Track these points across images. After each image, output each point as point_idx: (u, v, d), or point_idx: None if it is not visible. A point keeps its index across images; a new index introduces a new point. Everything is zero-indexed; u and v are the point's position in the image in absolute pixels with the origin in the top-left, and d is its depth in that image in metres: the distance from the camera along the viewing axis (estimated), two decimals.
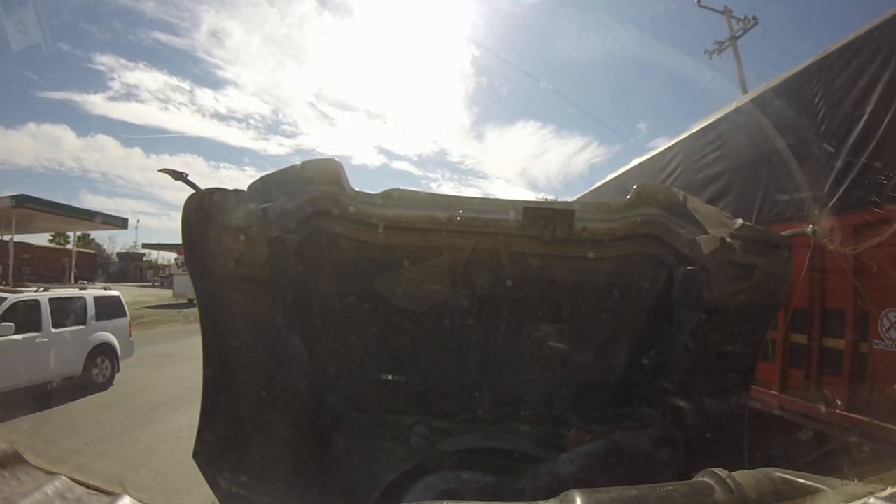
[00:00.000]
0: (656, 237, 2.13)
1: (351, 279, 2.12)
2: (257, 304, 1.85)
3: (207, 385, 1.78)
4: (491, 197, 2.07)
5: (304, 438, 1.92)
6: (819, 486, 0.92)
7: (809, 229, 2.32)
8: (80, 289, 7.75)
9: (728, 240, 1.91)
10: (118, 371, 7.69)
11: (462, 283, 2.16)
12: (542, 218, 2.00)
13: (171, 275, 29.97)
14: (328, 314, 2.11)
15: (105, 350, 7.48)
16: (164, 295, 24.63)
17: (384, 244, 2.04)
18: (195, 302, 1.82)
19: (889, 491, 0.88)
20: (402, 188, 2.00)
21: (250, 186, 1.84)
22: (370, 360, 2.20)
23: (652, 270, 2.18)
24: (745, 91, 11.60)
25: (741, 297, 1.97)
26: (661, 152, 5.50)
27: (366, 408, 2.19)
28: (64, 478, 0.75)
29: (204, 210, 1.72)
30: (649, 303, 2.22)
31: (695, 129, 4.89)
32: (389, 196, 1.97)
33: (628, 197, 2.11)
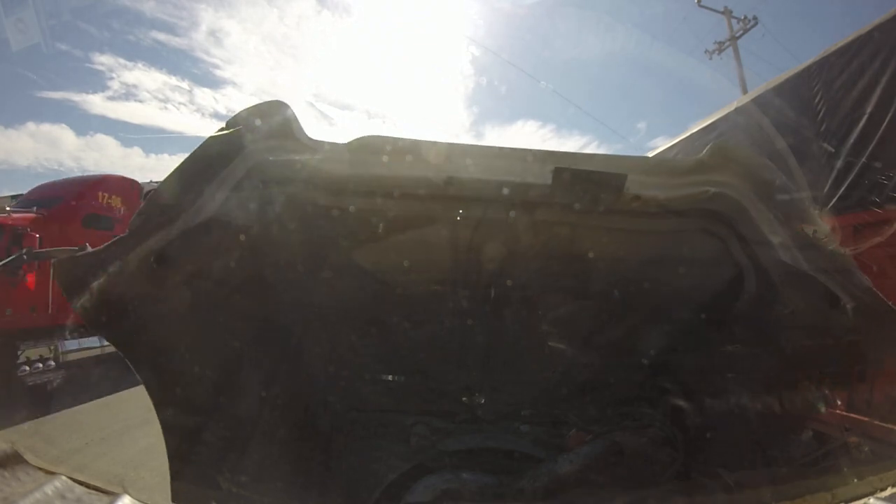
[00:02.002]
0: (727, 220, 1.61)
1: (317, 260, 1.79)
2: (204, 308, 1.53)
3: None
4: (506, 147, 1.50)
5: (304, 438, 1.92)
6: (819, 485, 0.92)
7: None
8: None
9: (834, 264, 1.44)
10: None
11: (463, 268, 1.86)
12: (580, 183, 1.48)
13: None
14: (299, 303, 1.86)
15: None
16: None
17: (358, 213, 1.61)
18: None
19: (889, 491, 0.88)
20: (379, 134, 1.48)
21: (152, 193, 1.33)
22: (370, 359, 2.20)
23: (709, 261, 1.72)
24: (745, 91, 11.61)
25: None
26: (661, 152, 5.50)
27: (366, 408, 2.19)
28: (64, 478, 0.75)
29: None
30: (698, 301, 1.85)
31: (695, 129, 4.90)
32: (362, 146, 1.46)
33: (702, 154, 1.55)
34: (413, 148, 1.48)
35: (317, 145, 1.46)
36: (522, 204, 1.56)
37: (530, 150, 1.49)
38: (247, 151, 1.41)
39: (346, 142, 1.46)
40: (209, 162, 1.37)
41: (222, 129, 1.40)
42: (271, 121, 1.42)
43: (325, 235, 1.70)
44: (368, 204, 1.58)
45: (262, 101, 1.44)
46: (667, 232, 1.68)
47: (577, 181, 1.47)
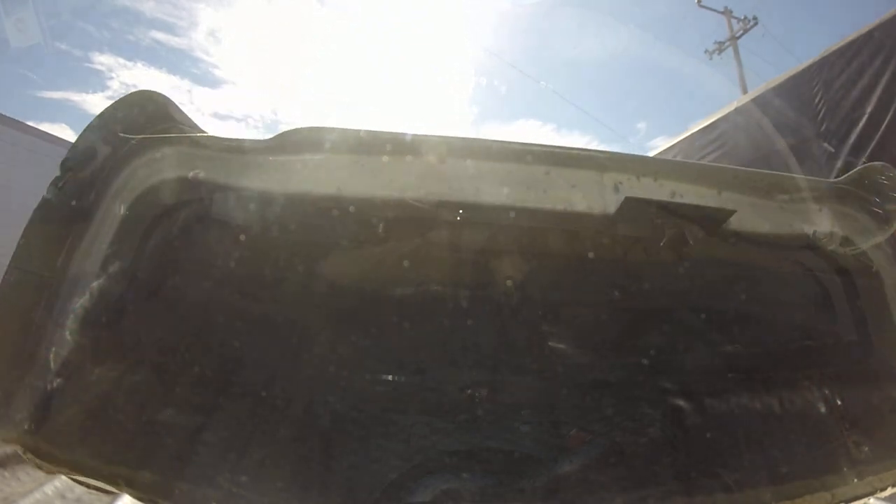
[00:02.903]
0: (838, 265, 1.18)
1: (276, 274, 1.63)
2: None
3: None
4: (523, 143, 1.00)
5: (304, 438, 1.92)
6: (819, 485, 0.92)
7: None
8: None
9: None
10: None
11: (466, 270, 1.75)
12: (661, 217, 0.97)
13: None
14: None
15: None
16: None
17: (289, 241, 1.24)
18: None
19: (889, 491, 0.88)
20: (324, 126, 0.94)
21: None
22: (370, 359, 2.20)
23: (794, 296, 1.37)
24: (745, 91, 11.62)
25: None
26: (661, 153, 5.51)
27: (366, 408, 2.19)
28: (64, 478, 0.75)
29: None
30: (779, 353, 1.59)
31: (695, 130, 4.91)
32: (288, 142, 0.94)
33: (842, 179, 1.14)
34: (382, 140, 0.94)
35: (230, 146, 0.96)
36: (550, 226, 1.12)
37: (567, 151, 0.94)
38: (117, 187, 0.95)
39: (271, 136, 0.97)
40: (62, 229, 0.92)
41: (69, 166, 0.90)
42: (146, 112, 0.95)
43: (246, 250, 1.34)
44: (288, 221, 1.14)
45: (129, 93, 0.99)
46: (740, 261, 1.24)
47: (659, 217, 0.94)
